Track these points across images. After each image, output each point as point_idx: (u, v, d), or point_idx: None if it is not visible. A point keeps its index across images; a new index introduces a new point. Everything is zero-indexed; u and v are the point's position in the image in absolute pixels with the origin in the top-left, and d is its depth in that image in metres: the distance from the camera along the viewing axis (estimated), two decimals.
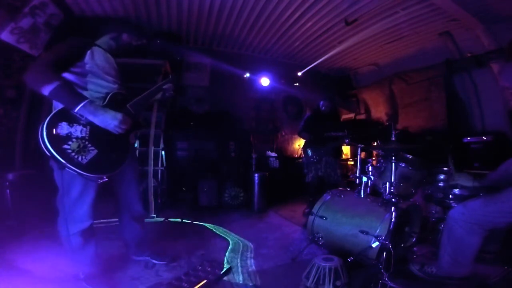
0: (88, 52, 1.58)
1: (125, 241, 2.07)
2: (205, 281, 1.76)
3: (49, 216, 2.81)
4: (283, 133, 5.84)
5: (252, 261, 2.19)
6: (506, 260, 1.81)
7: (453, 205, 1.92)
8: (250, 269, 2.04)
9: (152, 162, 3.48)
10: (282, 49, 5.02)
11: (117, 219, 2.03)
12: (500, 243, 1.88)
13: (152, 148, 3.51)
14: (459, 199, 1.91)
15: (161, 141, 3.94)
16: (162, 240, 2.58)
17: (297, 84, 5.67)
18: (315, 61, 5.15)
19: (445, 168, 2.16)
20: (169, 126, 4.16)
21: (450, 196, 1.99)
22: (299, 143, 5.70)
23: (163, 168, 3.92)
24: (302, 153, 3.92)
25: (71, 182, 1.51)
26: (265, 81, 5.02)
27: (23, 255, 2.08)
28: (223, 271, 1.93)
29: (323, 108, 3.66)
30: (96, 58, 1.61)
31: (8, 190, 2.55)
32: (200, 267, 1.97)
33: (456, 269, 1.64)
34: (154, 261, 2.06)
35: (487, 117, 3.91)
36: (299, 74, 5.50)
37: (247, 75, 5.05)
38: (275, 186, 4.41)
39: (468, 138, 3.67)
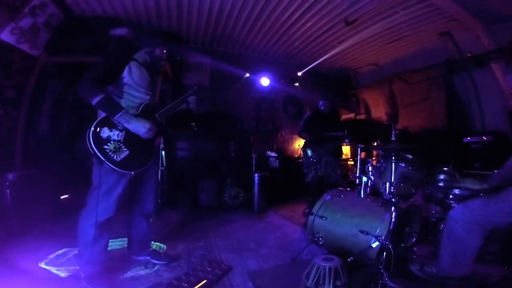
0: (127, 67, 1.80)
1: (129, 237, 2.11)
2: (205, 281, 1.76)
3: (49, 215, 2.82)
4: (283, 133, 5.84)
5: (252, 261, 2.19)
6: (506, 260, 1.81)
7: (453, 205, 1.91)
8: (250, 269, 2.04)
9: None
10: (282, 49, 5.02)
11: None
12: (500, 244, 1.88)
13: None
14: (459, 199, 1.90)
15: (161, 141, 3.94)
16: (162, 240, 2.59)
17: (297, 84, 5.66)
18: (315, 61, 5.15)
19: (445, 168, 2.15)
20: (169, 126, 4.16)
21: (450, 196, 1.99)
22: (299, 143, 5.70)
23: (163, 168, 3.92)
24: (302, 153, 3.92)
25: (105, 177, 1.72)
26: (265, 81, 5.02)
27: (23, 255, 2.08)
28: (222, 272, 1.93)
29: (323, 108, 3.66)
30: (132, 72, 1.82)
31: (8, 190, 2.55)
32: (200, 267, 1.97)
33: (456, 269, 1.64)
34: (154, 261, 2.07)
35: (487, 117, 3.91)
36: (299, 74, 5.49)
37: (247, 75, 5.05)
38: (275, 186, 4.41)
39: (468, 138, 3.67)
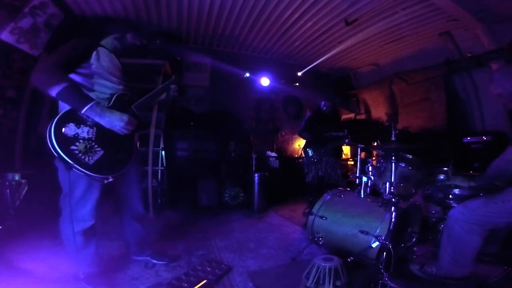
0: (94, 53, 1.59)
1: (125, 240, 2.07)
2: (205, 281, 1.76)
3: (49, 216, 2.82)
4: (283, 133, 5.84)
5: (252, 261, 2.19)
6: (506, 260, 1.81)
7: (453, 205, 1.91)
8: (250, 269, 2.04)
9: (151, 162, 3.48)
10: (282, 49, 5.02)
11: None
12: (500, 244, 1.88)
13: (152, 148, 3.51)
14: (459, 199, 1.91)
15: (161, 141, 3.94)
16: (162, 240, 2.59)
17: (297, 84, 5.66)
18: (315, 61, 5.15)
19: (445, 168, 2.16)
20: (169, 126, 4.16)
21: (450, 196, 1.99)
22: (299, 143, 5.70)
23: (163, 168, 3.91)
24: (302, 153, 3.93)
25: (76, 182, 1.52)
26: (265, 81, 5.02)
27: (23, 255, 2.08)
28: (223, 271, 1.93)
29: (324, 108, 3.66)
30: (101, 59, 1.62)
31: (8, 190, 2.55)
32: (200, 267, 1.97)
33: (456, 269, 1.64)
34: (154, 261, 2.06)
35: (487, 117, 3.91)
36: (299, 74, 5.49)
37: (247, 75, 5.05)
38: (275, 186, 4.41)
39: (468, 138, 3.67)
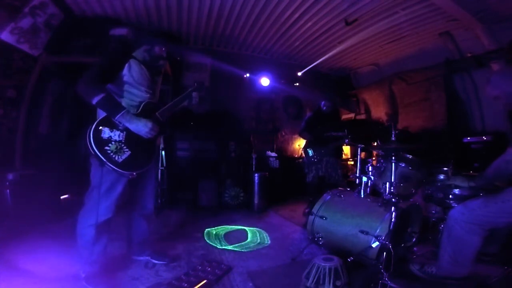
0: (127, 64, 1.76)
1: (128, 238, 2.10)
2: (205, 281, 1.76)
3: (49, 216, 2.82)
4: (283, 133, 5.84)
5: (252, 261, 2.19)
6: (506, 260, 1.81)
7: (453, 205, 1.91)
8: (250, 269, 2.04)
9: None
10: (282, 49, 5.02)
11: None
12: (500, 244, 1.88)
13: None
14: (459, 199, 1.91)
15: (161, 141, 3.94)
16: (162, 240, 2.59)
17: (297, 84, 5.66)
18: (315, 61, 5.15)
19: (445, 168, 2.16)
20: (169, 126, 4.15)
21: (450, 196, 1.99)
22: (299, 143, 5.69)
23: (163, 168, 3.92)
24: (302, 153, 3.93)
25: (106, 177, 1.69)
26: (265, 81, 5.02)
27: (23, 255, 2.08)
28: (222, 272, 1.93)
29: (324, 108, 3.67)
30: (132, 70, 1.79)
31: (8, 190, 2.55)
32: (200, 267, 1.97)
33: (456, 269, 1.64)
34: (154, 261, 2.07)
35: (487, 117, 3.91)
36: (299, 74, 5.49)
37: (247, 75, 5.05)
38: (275, 186, 4.41)
39: (468, 138, 3.66)
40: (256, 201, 3.90)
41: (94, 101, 1.57)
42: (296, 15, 3.81)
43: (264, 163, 4.75)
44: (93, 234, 1.68)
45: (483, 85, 3.80)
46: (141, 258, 2.09)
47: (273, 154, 5.08)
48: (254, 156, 4.25)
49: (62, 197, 3.21)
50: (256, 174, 3.94)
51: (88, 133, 1.60)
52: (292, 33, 4.34)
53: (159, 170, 3.80)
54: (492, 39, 3.51)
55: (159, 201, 3.72)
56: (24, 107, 3.13)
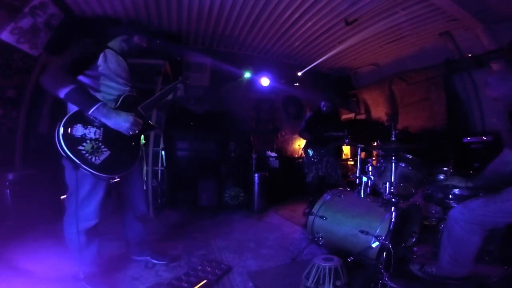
0: (101, 55, 1.60)
1: (126, 240, 2.08)
2: (205, 281, 1.76)
3: (49, 216, 2.82)
4: (283, 133, 5.84)
5: (252, 261, 2.19)
6: (506, 260, 1.81)
7: (453, 205, 1.92)
8: (250, 269, 2.04)
9: (151, 162, 3.48)
10: (282, 49, 5.01)
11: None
12: (500, 244, 1.88)
13: (152, 148, 3.51)
14: (459, 199, 1.91)
15: (161, 141, 3.94)
16: (162, 240, 2.59)
17: (297, 84, 5.66)
18: (315, 61, 5.14)
19: (445, 168, 2.16)
20: (169, 126, 4.16)
21: (450, 196, 1.99)
22: (299, 143, 5.70)
23: (163, 168, 3.92)
24: (302, 153, 3.93)
25: (82, 181, 1.55)
26: (265, 81, 5.02)
27: (23, 255, 2.08)
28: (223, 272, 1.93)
29: (325, 108, 3.67)
30: (108, 61, 1.63)
31: (8, 190, 2.55)
32: (200, 267, 1.97)
33: (456, 269, 1.64)
34: (154, 261, 2.06)
35: (487, 117, 3.91)
36: (299, 74, 5.49)
37: (247, 75, 5.05)
38: (275, 186, 4.41)
39: (468, 138, 3.67)
40: (256, 201, 3.90)
41: (62, 93, 1.37)
42: (296, 15, 3.81)
43: (264, 163, 4.75)
44: (81, 240, 1.58)
45: (483, 85, 3.84)
46: (141, 258, 2.08)
47: (273, 154, 5.08)
48: (254, 156, 4.25)
49: (62, 197, 3.21)
50: (256, 174, 3.94)
51: (56, 131, 1.38)
52: (292, 33, 4.34)
53: (159, 170, 3.80)
54: (492, 39, 3.51)
55: (159, 201, 3.72)
56: (24, 107, 3.13)
